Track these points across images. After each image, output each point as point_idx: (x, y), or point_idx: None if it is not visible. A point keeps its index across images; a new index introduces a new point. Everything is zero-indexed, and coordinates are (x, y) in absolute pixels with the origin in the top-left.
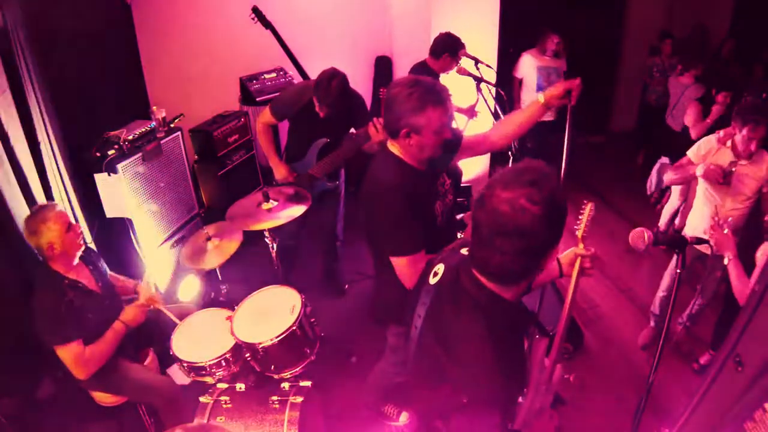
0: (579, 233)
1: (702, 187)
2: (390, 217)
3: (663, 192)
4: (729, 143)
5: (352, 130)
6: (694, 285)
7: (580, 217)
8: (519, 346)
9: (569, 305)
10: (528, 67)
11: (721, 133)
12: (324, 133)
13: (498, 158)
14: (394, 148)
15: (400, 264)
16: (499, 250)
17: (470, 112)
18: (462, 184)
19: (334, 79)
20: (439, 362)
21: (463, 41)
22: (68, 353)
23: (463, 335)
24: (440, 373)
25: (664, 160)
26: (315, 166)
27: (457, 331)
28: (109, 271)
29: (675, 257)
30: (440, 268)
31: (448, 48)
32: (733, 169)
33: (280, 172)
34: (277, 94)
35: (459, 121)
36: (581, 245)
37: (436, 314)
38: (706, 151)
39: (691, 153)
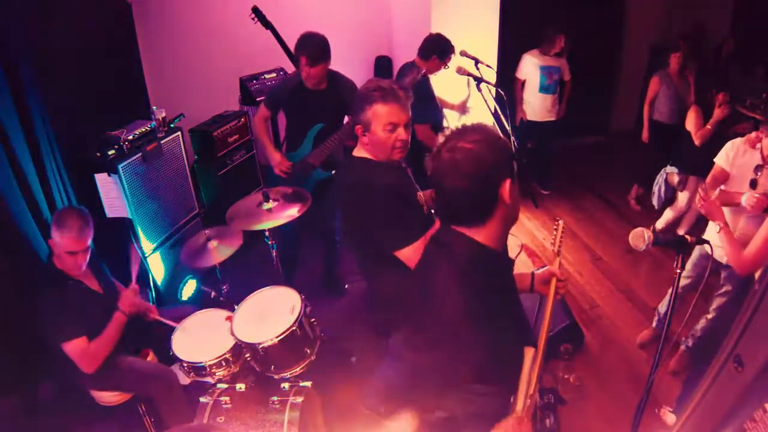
0: (555, 248)
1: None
2: (383, 214)
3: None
4: (759, 146)
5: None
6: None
7: (554, 233)
8: (500, 297)
9: (546, 324)
10: (531, 67)
11: (753, 134)
12: (318, 117)
13: None
14: (360, 152)
15: (406, 255)
16: (450, 191)
17: (462, 108)
18: None
19: (314, 35)
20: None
21: (453, 44)
22: (74, 349)
23: (435, 275)
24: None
25: (669, 168)
26: (311, 154)
27: (432, 273)
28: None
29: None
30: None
31: (437, 50)
32: (759, 174)
33: (274, 158)
34: None
35: (450, 118)
36: (557, 262)
37: (422, 268)
38: (734, 154)
39: (719, 160)
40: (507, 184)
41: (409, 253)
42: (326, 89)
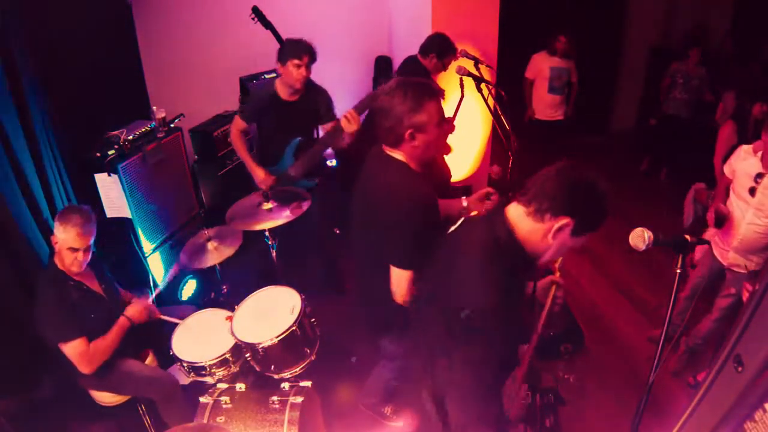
0: (557, 264)
1: (732, 195)
2: (409, 229)
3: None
4: (760, 153)
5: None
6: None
7: None
8: (516, 293)
9: (539, 330)
10: (541, 67)
11: (760, 141)
12: (292, 129)
13: (498, 157)
14: (397, 155)
15: (401, 276)
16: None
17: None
18: (460, 185)
19: (300, 40)
20: (439, 299)
21: (455, 47)
22: (73, 350)
23: (467, 250)
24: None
25: (699, 185)
26: (293, 166)
27: (463, 248)
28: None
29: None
30: (459, 222)
31: (434, 50)
32: (758, 182)
33: (258, 175)
34: None
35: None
36: (558, 274)
37: (449, 251)
38: (734, 159)
39: (725, 167)
40: (567, 227)
41: (406, 277)
42: (298, 101)
